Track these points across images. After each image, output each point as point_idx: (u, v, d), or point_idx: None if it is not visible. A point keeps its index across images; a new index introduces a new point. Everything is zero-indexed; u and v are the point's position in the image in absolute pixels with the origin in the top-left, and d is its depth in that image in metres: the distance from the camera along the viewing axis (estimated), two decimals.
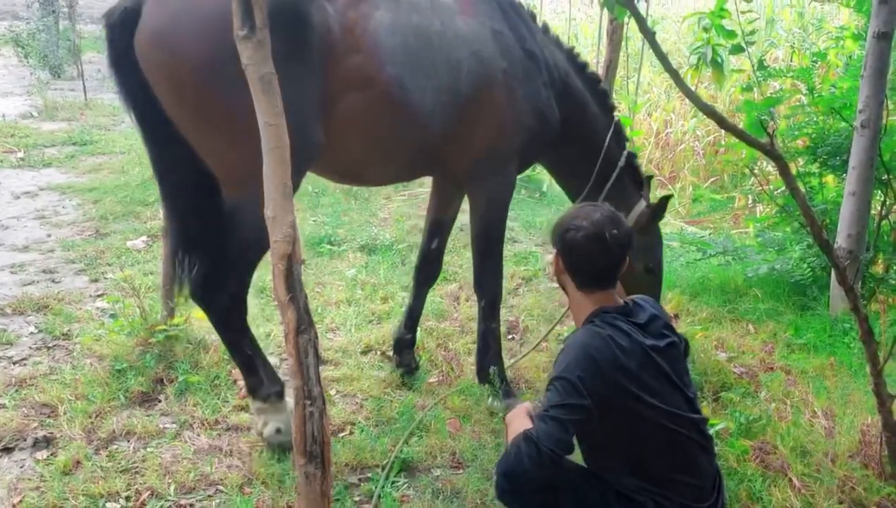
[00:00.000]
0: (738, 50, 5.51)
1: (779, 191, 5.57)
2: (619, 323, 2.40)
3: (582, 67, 3.73)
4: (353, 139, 3.07)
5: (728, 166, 8.54)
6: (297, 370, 1.87)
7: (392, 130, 3.13)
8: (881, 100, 4.24)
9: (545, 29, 3.66)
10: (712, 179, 8.55)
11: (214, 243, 3.03)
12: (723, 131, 6.04)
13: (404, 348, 3.95)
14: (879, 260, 4.83)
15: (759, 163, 6.54)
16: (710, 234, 6.47)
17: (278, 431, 3.17)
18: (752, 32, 5.56)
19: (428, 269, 3.95)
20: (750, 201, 7.21)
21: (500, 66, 3.28)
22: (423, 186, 6.45)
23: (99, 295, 4.63)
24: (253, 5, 1.89)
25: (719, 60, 4.81)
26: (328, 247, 5.54)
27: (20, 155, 7.96)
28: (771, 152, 2.77)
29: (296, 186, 2.59)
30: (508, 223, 6.11)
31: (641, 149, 8.74)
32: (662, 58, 2.76)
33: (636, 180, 3.85)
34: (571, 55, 3.71)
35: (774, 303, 4.54)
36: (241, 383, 3.60)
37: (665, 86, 10.31)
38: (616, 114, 3.84)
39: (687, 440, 2.43)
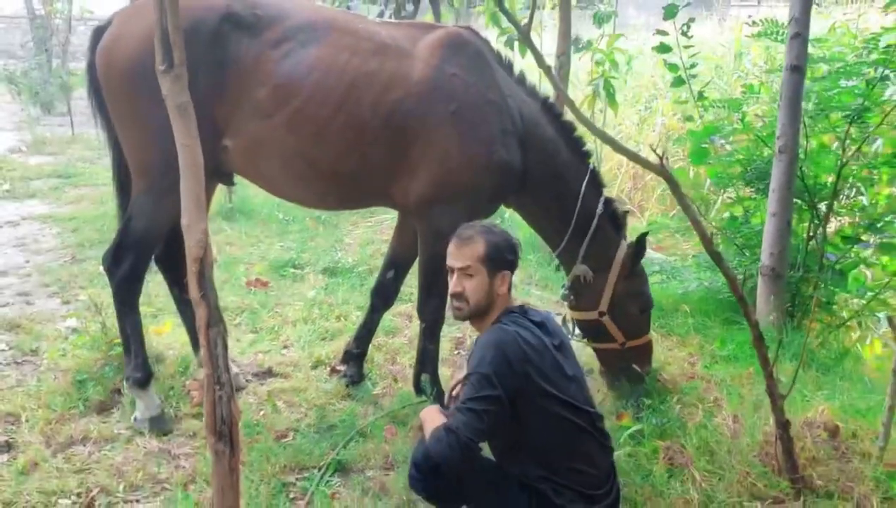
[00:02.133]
0: (679, 83, 5.86)
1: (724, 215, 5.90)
2: (523, 321, 2.71)
3: (556, 116, 3.83)
4: (265, 162, 3.47)
5: (697, 195, 8.87)
6: (207, 359, 2.15)
7: (299, 158, 3.47)
8: (797, 127, 4.56)
9: (521, 78, 3.80)
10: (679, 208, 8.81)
11: (124, 227, 3.62)
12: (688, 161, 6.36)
13: (351, 360, 4.21)
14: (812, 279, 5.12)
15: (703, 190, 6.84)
16: (674, 259, 6.76)
17: (134, 419, 3.63)
18: (693, 66, 5.91)
19: (382, 296, 4.21)
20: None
21: (448, 108, 3.46)
22: (390, 213, 6.75)
23: (68, 316, 4.90)
24: (172, 45, 2.18)
25: (612, 91, 5.17)
26: (291, 270, 5.84)
27: (6, 187, 8.29)
28: (662, 173, 3.06)
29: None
30: None
31: (613, 179, 9.04)
32: (559, 89, 3.06)
33: (616, 224, 3.93)
34: (546, 104, 3.82)
35: (703, 319, 4.83)
36: (194, 394, 3.90)
37: (637, 118, 10.67)
38: (592, 161, 3.91)
39: (584, 431, 2.72)
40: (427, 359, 3.93)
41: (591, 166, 3.86)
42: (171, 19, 2.09)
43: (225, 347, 2.14)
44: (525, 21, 2.91)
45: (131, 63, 3.34)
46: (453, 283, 2.78)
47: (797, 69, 4.50)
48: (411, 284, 5.59)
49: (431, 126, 3.49)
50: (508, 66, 3.82)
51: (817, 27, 9.80)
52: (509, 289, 2.82)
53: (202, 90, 3.16)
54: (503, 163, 3.59)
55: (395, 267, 4.13)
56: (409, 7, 8.14)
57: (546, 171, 3.77)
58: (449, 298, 2.86)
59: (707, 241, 3.18)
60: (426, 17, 8.08)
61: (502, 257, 2.77)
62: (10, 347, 4.45)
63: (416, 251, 3.94)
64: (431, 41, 3.56)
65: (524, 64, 5.70)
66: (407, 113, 3.46)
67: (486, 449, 2.79)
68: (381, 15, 8.12)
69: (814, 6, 14.50)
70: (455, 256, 2.78)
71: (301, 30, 3.45)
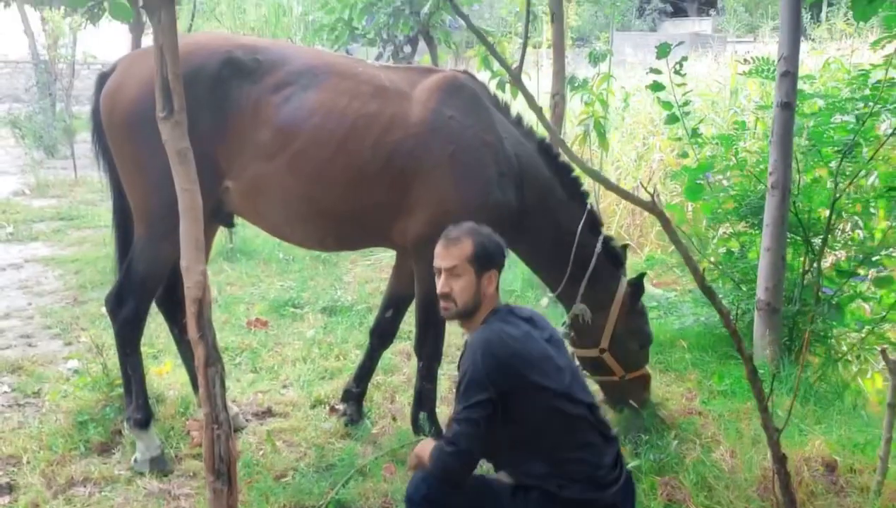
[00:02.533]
0: (673, 120, 5.95)
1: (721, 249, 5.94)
2: (510, 318, 2.77)
3: (552, 157, 3.88)
4: (265, 203, 3.52)
5: (694, 230, 8.92)
6: (205, 398, 2.19)
7: (300, 199, 3.53)
8: (789, 162, 4.63)
9: (517, 120, 3.88)
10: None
11: (125, 269, 3.66)
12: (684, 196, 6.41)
13: (350, 399, 4.22)
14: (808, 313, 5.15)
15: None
16: (673, 295, 6.78)
17: (135, 460, 3.64)
18: (686, 103, 6.00)
19: (381, 335, 4.22)
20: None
21: (447, 150, 3.53)
22: (388, 252, 6.80)
23: (69, 358, 4.93)
24: (172, 92, 2.25)
25: (601, 130, 5.23)
26: (291, 309, 5.87)
27: (9, 230, 8.38)
28: (653, 209, 3.11)
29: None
30: None
31: (611, 216, 9.11)
32: (551, 130, 3.12)
33: (616, 262, 3.95)
34: (542, 145, 3.88)
35: (701, 354, 4.85)
36: (194, 434, 3.91)
37: (634, 155, 10.77)
38: (589, 201, 3.95)
39: (583, 420, 2.74)
40: (425, 398, 3.95)
41: (588, 206, 3.89)
42: (171, 67, 2.16)
43: (223, 386, 2.17)
44: (516, 65, 2.97)
45: (133, 108, 3.41)
46: (441, 284, 2.78)
47: (787, 106, 4.57)
48: (410, 322, 5.67)
49: (429, 167, 3.55)
50: (505, 108, 3.90)
51: (812, 63, 9.99)
52: (497, 289, 2.84)
53: (204, 133, 3.23)
54: (499, 204, 3.64)
55: (394, 305, 4.16)
56: (407, 49, 8.28)
57: (542, 213, 3.82)
58: (438, 299, 2.85)
59: (699, 277, 3.21)
60: (424, 58, 8.21)
61: (489, 257, 2.79)
62: (12, 389, 4.48)
63: (413, 290, 3.96)
64: (429, 84, 3.64)
65: (521, 105, 5.81)
66: (406, 154, 3.52)
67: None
68: (379, 57, 8.25)
69: (809, 42, 14.71)
70: (442, 256, 2.79)
71: (302, 74, 3.53)
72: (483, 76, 6.55)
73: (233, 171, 3.51)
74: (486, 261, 2.78)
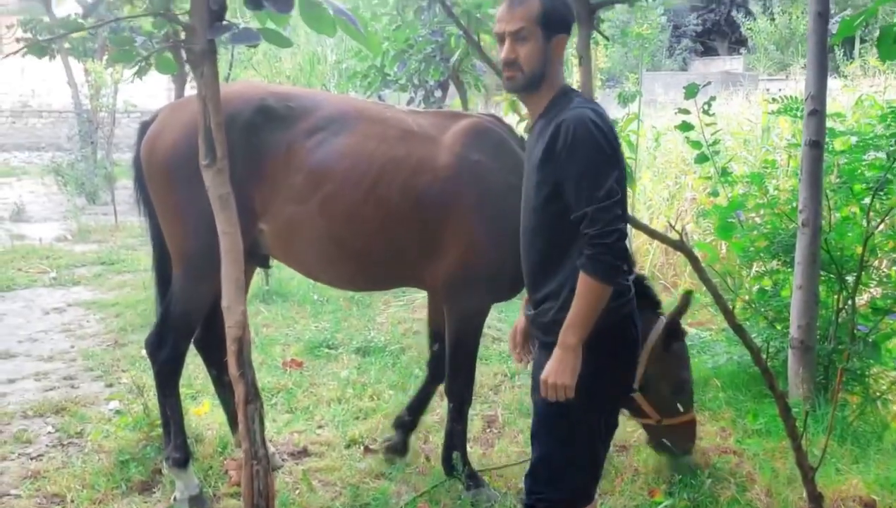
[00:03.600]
0: (703, 159, 6.01)
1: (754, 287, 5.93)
2: (591, 103, 2.61)
3: None
4: (299, 244, 3.63)
5: (726, 269, 8.88)
6: (245, 435, 2.26)
7: (332, 240, 3.62)
8: (818, 200, 4.65)
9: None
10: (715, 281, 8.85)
11: (164, 312, 3.76)
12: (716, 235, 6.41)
13: (400, 427, 4.24)
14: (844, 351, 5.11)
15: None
16: (708, 334, 6.76)
17: (174, 499, 3.70)
18: (716, 143, 6.05)
19: (435, 367, 4.20)
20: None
21: (473, 192, 3.60)
22: (422, 293, 6.88)
23: (111, 398, 5.04)
24: (215, 141, 2.36)
25: (629, 171, 5.30)
26: (326, 350, 5.95)
27: (52, 275, 8.60)
28: (682, 247, 3.16)
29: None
30: (496, 324, 6.53)
31: (644, 255, 9.11)
32: None
33: (652, 302, 3.83)
34: None
35: (735, 393, 4.83)
36: (232, 473, 3.98)
37: (666, 194, 10.78)
38: None
39: None
40: (455, 439, 3.97)
41: None
42: (214, 117, 2.27)
43: (262, 423, 2.24)
44: None
45: (172, 155, 3.53)
46: (506, 50, 2.52)
47: (816, 144, 4.61)
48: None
49: (457, 210, 3.61)
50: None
51: (845, 100, 9.98)
52: (562, 59, 2.62)
53: (239, 178, 3.34)
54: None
55: (440, 338, 4.15)
56: (438, 93, 8.42)
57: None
58: (502, 68, 2.60)
59: (729, 315, 3.24)
60: (454, 102, 8.36)
61: (559, 16, 2.54)
62: (56, 429, 4.59)
63: None
64: (456, 129, 3.73)
65: None
66: (433, 197, 3.60)
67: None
68: (410, 102, 8.40)
69: (841, 79, 14.65)
70: (506, 19, 2.52)
71: (333, 120, 3.65)
72: (511, 119, 6.68)
73: (267, 214, 3.62)
74: (556, 22, 2.53)
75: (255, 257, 3.84)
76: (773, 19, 36.54)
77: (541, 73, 2.53)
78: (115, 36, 2.99)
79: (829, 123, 4.96)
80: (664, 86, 26.51)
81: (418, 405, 4.29)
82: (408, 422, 4.25)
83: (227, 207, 2.33)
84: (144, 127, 3.80)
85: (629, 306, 2.66)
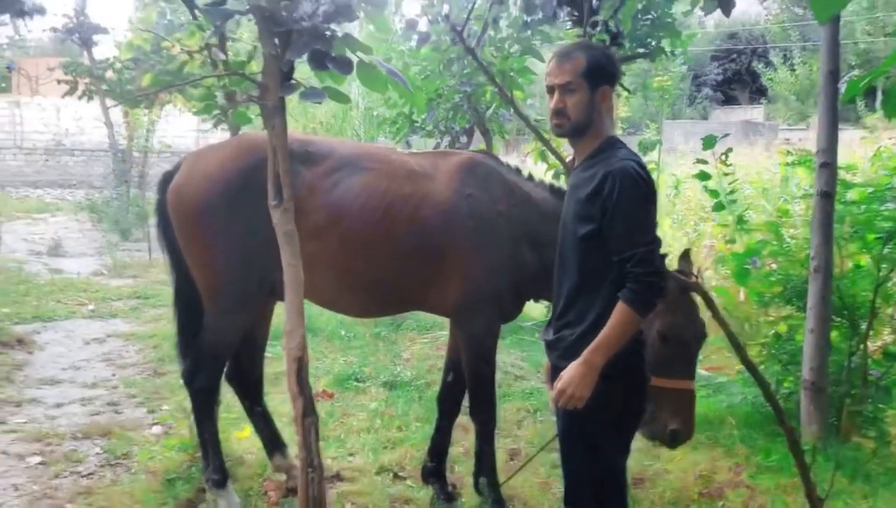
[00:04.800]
0: (719, 207, 6.27)
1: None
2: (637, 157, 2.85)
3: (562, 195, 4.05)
4: (317, 275, 3.86)
5: (744, 314, 9.08)
6: (302, 444, 2.52)
7: (348, 271, 3.91)
8: (830, 247, 4.89)
9: (529, 177, 4.19)
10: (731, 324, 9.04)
11: (197, 343, 4.07)
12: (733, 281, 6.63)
13: (430, 475, 4.38)
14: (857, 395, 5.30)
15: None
16: (725, 378, 6.94)
17: None
18: (733, 192, 6.32)
19: (445, 401, 4.42)
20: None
21: (469, 225, 3.90)
22: (444, 329, 7.13)
23: (154, 423, 5.33)
24: (282, 184, 2.66)
25: None
26: (354, 383, 6.22)
27: (91, 307, 8.96)
28: (696, 288, 3.41)
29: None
30: (518, 362, 6.75)
31: None
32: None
33: None
34: (554, 189, 4.13)
35: (749, 431, 5.03)
36: (271, 493, 4.23)
37: (685, 240, 11.01)
38: None
39: None
40: (484, 461, 4.19)
41: None
42: (282, 164, 2.58)
43: (317, 434, 2.50)
44: (570, 157, 3.34)
45: (199, 201, 3.84)
46: (555, 100, 2.77)
47: (827, 194, 4.87)
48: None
49: (455, 240, 3.90)
50: (526, 176, 4.18)
51: (864, 151, 10.23)
52: (610, 107, 2.86)
53: (267, 216, 3.67)
54: (520, 266, 3.95)
55: (454, 368, 4.37)
56: (464, 139, 8.75)
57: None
58: (550, 115, 2.83)
59: (740, 350, 3.47)
60: (479, 146, 8.69)
61: (603, 70, 2.79)
62: (103, 450, 4.86)
63: None
64: (450, 167, 4.05)
65: None
66: (435, 229, 3.89)
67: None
68: (437, 146, 8.73)
69: (862, 130, 14.86)
70: (555, 73, 2.78)
71: (347, 162, 3.97)
72: (540, 168, 7.00)
73: None
74: (600, 75, 2.78)
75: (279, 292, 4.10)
76: (793, 70, 36.93)
77: (587, 122, 2.80)
78: (199, 91, 3.32)
79: (844, 175, 5.24)
80: (684, 135, 26.82)
81: (438, 447, 4.42)
82: (431, 468, 4.38)
83: (291, 242, 2.62)
84: (168, 176, 4.10)
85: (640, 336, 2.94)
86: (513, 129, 10.82)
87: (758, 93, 42.64)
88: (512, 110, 6.40)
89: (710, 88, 44.94)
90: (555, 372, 2.90)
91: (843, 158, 5.47)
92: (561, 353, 2.90)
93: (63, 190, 23.53)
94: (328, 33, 2.65)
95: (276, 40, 2.60)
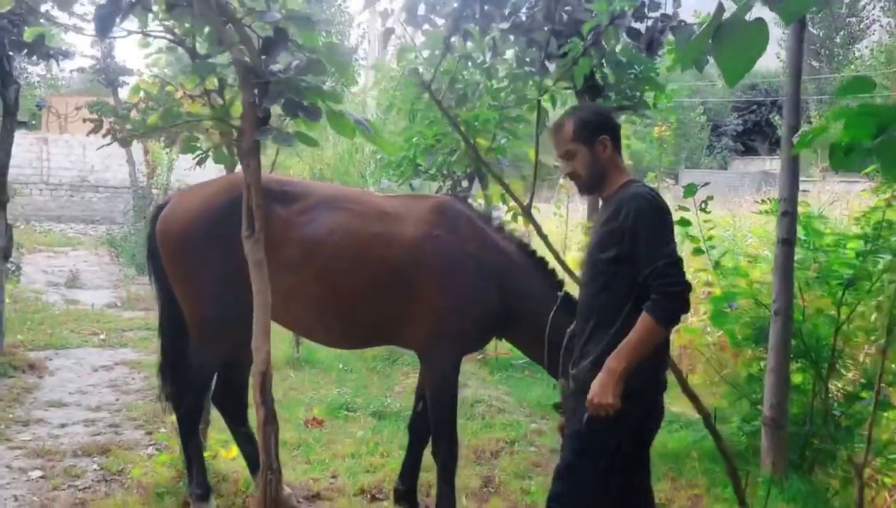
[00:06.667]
0: (698, 252, 6.55)
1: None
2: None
3: (530, 254, 4.30)
4: (294, 308, 4.19)
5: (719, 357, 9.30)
6: (262, 449, 2.83)
7: (323, 304, 4.17)
8: (790, 291, 5.17)
9: (499, 228, 4.43)
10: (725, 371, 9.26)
11: (181, 368, 4.44)
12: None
13: (401, 498, 4.62)
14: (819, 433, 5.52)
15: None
16: (695, 418, 7.15)
17: None
18: (710, 237, 6.61)
19: (416, 430, 4.64)
20: None
21: (434, 263, 4.12)
22: None
23: (150, 445, 5.65)
24: (255, 216, 3.01)
25: None
26: (345, 412, 6.52)
27: (102, 337, 9.36)
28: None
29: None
30: (502, 396, 7.02)
31: None
32: (570, 272, 3.78)
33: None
34: (521, 244, 4.36)
35: (711, 465, 5.26)
36: None
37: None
38: (564, 290, 4.25)
39: None
40: (443, 501, 4.28)
41: (561, 293, 4.12)
42: (255, 199, 2.93)
43: (276, 441, 2.82)
44: (527, 201, 3.68)
45: (182, 233, 4.20)
46: (563, 168, 3.07)
47: (787, 242, 5.16)
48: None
49: (422, 278, 4.12)
50: (494, 224, 4.44)
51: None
52: (618, 152, 3.08)
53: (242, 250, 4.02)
54: (484, 306, 4.15)
55: (424, 399, 4.54)
56: (465, 183, 9.10)
57: (522, 304, 4.20)
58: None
59: (681, 381, 3.76)
60: (478, 193, 9.03)
61: (592, 126, 3.00)
62: (100, 467, 5.18)
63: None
64: (421, 209, 4.29)
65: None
66: (403, 268, 4.12)
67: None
68: (438, 190, 9.09)
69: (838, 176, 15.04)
70: (554, 146, 3.07)
71: (322, 202, 4.26)
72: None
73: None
74: (591, 131, 3.00)
75: None
76: (809, 122, 37.19)
77: (599, 174, 3.04)
78: (185, 134, 3.72)
79: (816, 223, 5.57)
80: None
81: (408, 471, 4.64)
82: (402, 491, 4.60)
83: (261, 270, 2.96)
84: (158, 211, 4.48)
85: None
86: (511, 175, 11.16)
87: (777, 144, 42.88)
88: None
89: (729, 139, 45.29)
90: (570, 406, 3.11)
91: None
92: (580, 385, 3.00)
93: (86, 225, 24.18)
94: (302, 84, 3.02)
95: (255, 90, 2.96)
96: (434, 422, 4.27)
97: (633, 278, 2.87)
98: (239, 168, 4.18)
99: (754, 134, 45.00)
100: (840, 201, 12.10)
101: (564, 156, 3.03)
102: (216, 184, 4.39)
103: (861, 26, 40.94)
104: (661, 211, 2.88)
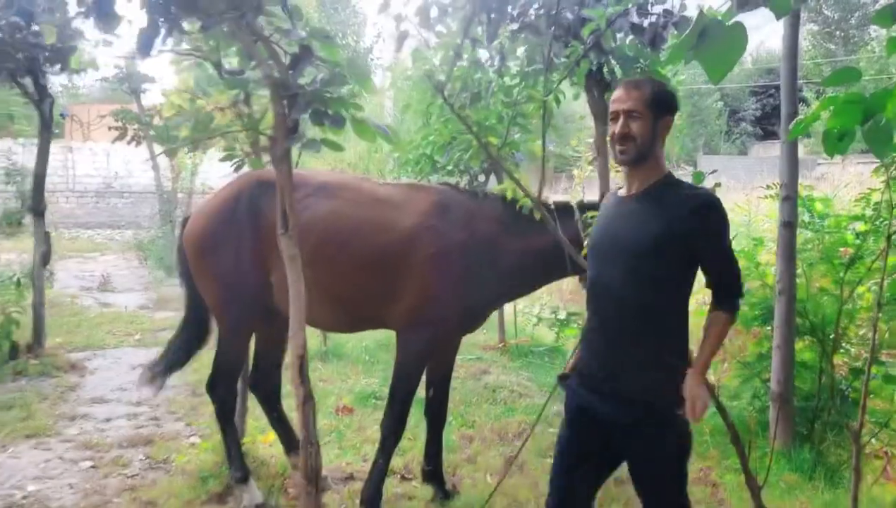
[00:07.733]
0: None
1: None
2: None
3: (517, 215, 4.43)
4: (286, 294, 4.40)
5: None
6: (302, 425, 3.12)
7: (317, 287, 4.23)
8: (793, 272, 5.41)
9: (484, 194, 4.68)
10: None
11: (215, 359, 4.78)
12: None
13: (427, 478, 4.97)
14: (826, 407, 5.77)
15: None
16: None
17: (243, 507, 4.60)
18: None
19: (431, 412, 4.99)
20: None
21: (426, 252, 4.27)
22: (461, 354, 7.71)
23: (192, 435, 5.99)
24: (288, 216, 3.31)
25: None
26: (373, 400, 6.83)
27: (137, 337, 9.75)
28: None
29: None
30: (524, 382, 7.30)
31: None
32: (580, 266, 4.06)
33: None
34: (509, 202, 4.49)
35: (723, 438, 5.51)
36: (290, 490, 4.84)
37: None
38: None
39: None
40: (375, 474, 4.52)
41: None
42: (288, 200, 3.22)
43: (314, 417, 3.12)
44: (538, 194, 3.95)
45: (199, 233, 4.60)
46: (620, 125, 2.88)
47: (789, 224, 5.40)
48: (475, 413, 6.56)
49: (413, 265, 4.29)
50: (475, 194, 4.73)
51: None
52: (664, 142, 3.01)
53: (251, 240, 4.37)
54: (471, 291, 4.34)
55: (433, 384, 4.92)
56: (481, 178, 9.38)
57: (522, 257, 4.43)
58: (614, 144, 2.93)
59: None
60: (495, 187, 9.30)
61: (666, 101, 2.91)
62: (146, 457, 5.54)
63: (448, 367, 4.87)
64: (417, 198, 4.49)
65: None
66: (394, 253, 4.32)
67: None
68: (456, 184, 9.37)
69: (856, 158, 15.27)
70: (622, 99, 2.89)
71: (319, 189, 4.50)
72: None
73: (272, 269, 4.41)
74: (664, 106, 2.90)
75: (272, 312, 4.63)
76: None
77: (649, 148, 2.88)
78: (227, 144, 4.05)
79: (817, 206, 5.83)
80: (722, 170, 27.03)
81: (431, 452, 4.97)
82: (429, 472, 4.95)
83: (294, 264, 3.25)
84: (186, 219, 4.89)
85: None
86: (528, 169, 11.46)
87: None
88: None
89: (748, 124, 45.14)
90: (581, 412, 3.09)
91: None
92: (622, 397, 2.94)
93: (112, 230, 24.71)
94: (326, 95, 3.32)
95: (284, 102, 3.26)
96: (390, 396, 4.47)
97: (690, 279, 2.90)
98: (245, 169, 4.56)
99: (773, 118, 44.82)
100: (856, 183, 12.27)
101: (628, 114, 2.88)
102: (228, 186, 4.73)
103: (876, 7, 40.65)
104: (727, 218, 2.88)
